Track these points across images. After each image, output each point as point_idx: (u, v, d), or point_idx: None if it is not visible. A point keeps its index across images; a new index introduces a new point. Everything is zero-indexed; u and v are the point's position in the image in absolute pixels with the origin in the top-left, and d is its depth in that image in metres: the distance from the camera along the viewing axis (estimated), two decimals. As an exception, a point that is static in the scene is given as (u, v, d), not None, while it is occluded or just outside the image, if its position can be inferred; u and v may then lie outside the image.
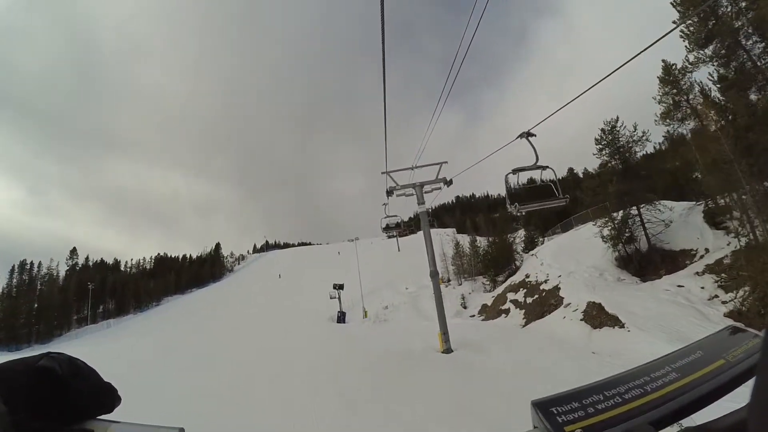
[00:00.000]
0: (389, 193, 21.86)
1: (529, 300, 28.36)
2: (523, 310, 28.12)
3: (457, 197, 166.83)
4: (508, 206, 8.16)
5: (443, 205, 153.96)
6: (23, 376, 0.69)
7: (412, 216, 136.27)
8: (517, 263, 43.03)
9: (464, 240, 58.42)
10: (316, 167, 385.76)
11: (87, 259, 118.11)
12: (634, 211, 28.43)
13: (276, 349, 22.85)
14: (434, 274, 20.74)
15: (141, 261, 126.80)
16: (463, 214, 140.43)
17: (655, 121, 30.37)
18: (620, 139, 29.23)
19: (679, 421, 0.73)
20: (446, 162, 22.62)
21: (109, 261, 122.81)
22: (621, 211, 29.01)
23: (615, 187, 26.42)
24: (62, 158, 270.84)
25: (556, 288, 26.09)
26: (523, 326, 25.63)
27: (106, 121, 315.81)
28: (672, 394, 0.74)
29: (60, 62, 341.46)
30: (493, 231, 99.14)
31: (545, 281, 28.51)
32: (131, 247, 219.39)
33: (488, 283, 42.36)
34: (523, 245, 50.10)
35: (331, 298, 42.17)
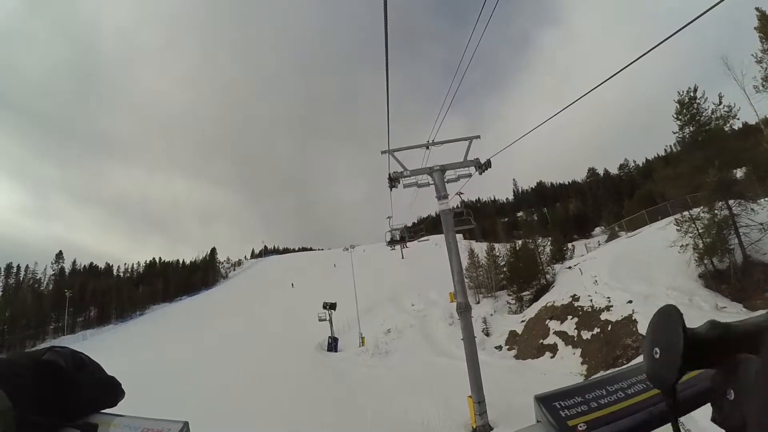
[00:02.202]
0: (393, 181, 14.35)
1: (587, 335, 20.67)
2: (579, 350, 20.46)
3: (463, 202, 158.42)
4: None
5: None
6: (27, 371, 0.68)
7: (416, 221, 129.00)
8: (548, 277, 35.38)
9: (477, 247, 50.99)
10: (318, 171, 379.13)
11: (74, 263, 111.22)
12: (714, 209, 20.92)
13: (235, 406, 15.98)
14: (464, 307, 13.20)
15: (134, 266, 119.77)
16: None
17: (756, 87, 23.14)
18: (702, 114, 21.75)
19: (680, 418, 0.70)
20: (478, 137, 15.20)
21: (108, 265, 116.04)
22: (699, 210, 21.51)
23: (717, 175, 18.56)
24: (63, 162, 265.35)
25: (630, 320, 18.43)
26: (586, 377, 17.98)
27: (107, 126, 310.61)
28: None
29: (61, 66, 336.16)
30: (507, 236, 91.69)
31: (607, 308, 20.85)
32: (132, 252, 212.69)
33: (514, 302, 34.64)
34: (549, 254, 42.47)
35: (320, 320, 34.37)
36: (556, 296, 28.16)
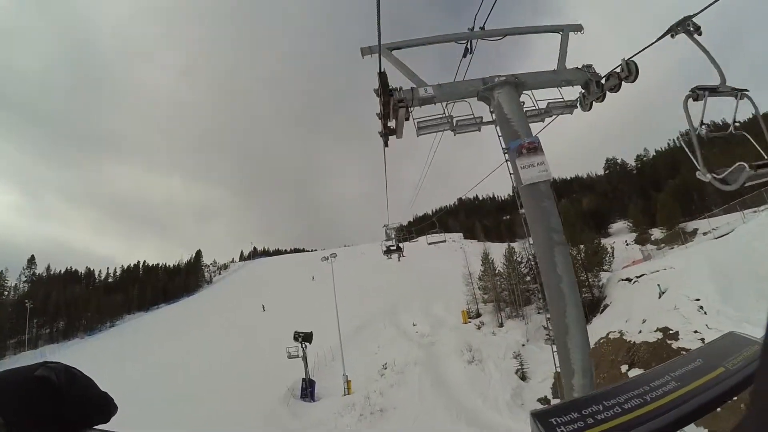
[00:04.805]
0: (390, 111, 5.67)
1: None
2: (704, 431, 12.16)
3: (460, 199, 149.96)
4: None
5: (444, 207, 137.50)
6: (20, 386, 0.69)
7: (432, 211, 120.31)
8: (595, 291, 27.09)
9: (473, 247, 43.00)
10: (315, 170, 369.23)
11: (48, 268, 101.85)
12: None
13: None
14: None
15: (116, 270, 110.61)
16: (468, 217, 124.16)
17: None
18: None
19: (680, 430, 0.74)
20: (579, 27, 6.60)
21: (89, 270, 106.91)
22: None
23: None
24: (59, 162, 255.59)
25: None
26: None
27: (103, 124, 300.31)
28: (672, 404, 0.75)
29: (57, 64, 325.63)
30: (511, 235, 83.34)
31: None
32: (128, 254, 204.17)
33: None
34: (583, 259, 34.08)
35: (290, 356, 25.55)
36: (621, 323, 19.93)
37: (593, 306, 25.43)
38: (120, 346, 53.84)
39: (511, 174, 5.34)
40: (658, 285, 19.81)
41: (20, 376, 0.69)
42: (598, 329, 21.45)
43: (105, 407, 0.79)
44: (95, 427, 0.75)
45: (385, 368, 25.19)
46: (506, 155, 5.34)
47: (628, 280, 23.85)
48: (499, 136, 5.49)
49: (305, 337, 24.78)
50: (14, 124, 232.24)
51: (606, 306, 23.94)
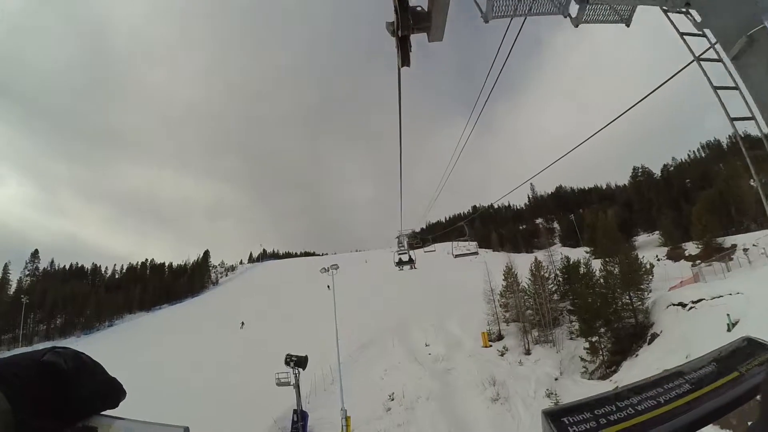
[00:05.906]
0: None
1: None
2: None
3: (475, 207, 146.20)
4: None
5: (459, 215, 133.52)
6: (27, 372, 0.68)
7: (445, 219, 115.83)
8: (640, 318, 23.32)
9: (489, 257, 39.44)
10: (327, 173, 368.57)
11: (52, 262, 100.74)
12: None
13: None
14: None
15: (122, 267, 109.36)
16: (484, 225, 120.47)
17: None
18: None
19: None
20: None
21: (95, 266, 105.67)
22: None
23: None
24: (74, 159, 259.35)
25: None
26: None
27: (117, 122, 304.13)
28: (685, 407, 0.75)
29: (72, 63, 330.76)
30: (527, 246, 79.05)
31: None
32: (139, 252, 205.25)
33: (589, 357, 22.48)
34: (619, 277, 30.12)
35: (279, 383, 22.25)
36: (680, 360, 15.97)
37: (638, 334, 21.82)
38: (110, 349, 51.01)
39: (741, 137, 2.04)
40: (728, 315, 16.13)
41: (28, 361, 0.67)
42: (648, 365, 17.94)
43: (113, 393, 0.75)
44: (103, 413, 0.72)
45: (392, 400, 21.72)
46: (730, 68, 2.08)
47: (682, 305, 20.13)
48: (682, 37, 2.22)
49: (298, 362, 21.13)
50: (29, 120, 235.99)
51: (655, 335, 20.29)
